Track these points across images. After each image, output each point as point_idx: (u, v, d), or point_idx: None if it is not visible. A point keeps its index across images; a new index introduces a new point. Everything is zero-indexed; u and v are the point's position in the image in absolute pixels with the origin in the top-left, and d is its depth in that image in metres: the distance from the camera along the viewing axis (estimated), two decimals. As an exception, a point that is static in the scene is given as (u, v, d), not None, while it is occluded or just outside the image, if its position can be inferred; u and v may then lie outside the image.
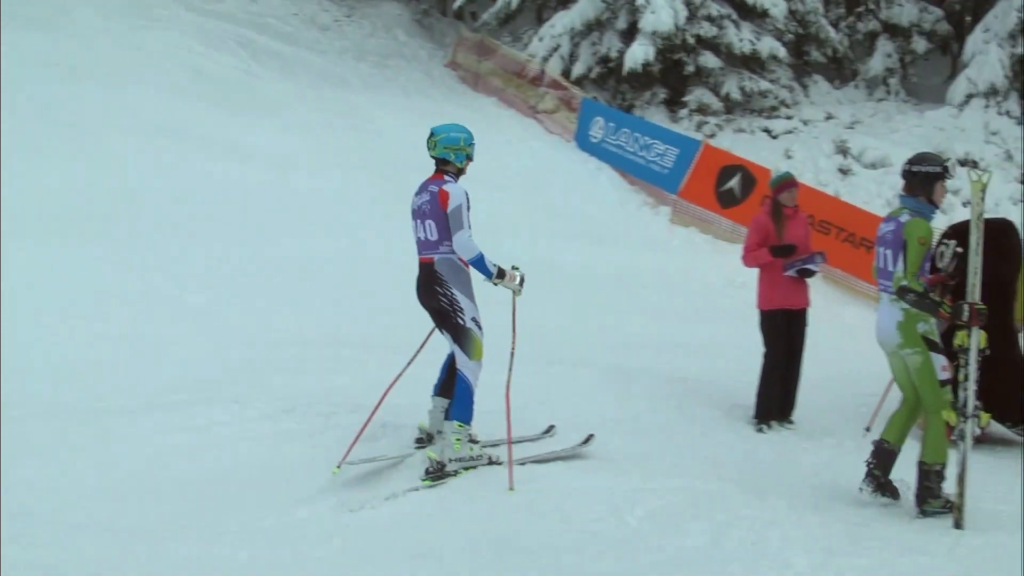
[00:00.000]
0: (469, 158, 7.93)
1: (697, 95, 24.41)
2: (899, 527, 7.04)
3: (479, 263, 7.62)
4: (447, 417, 7.76)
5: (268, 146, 17.34)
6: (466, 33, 27.94)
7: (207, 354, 10.78)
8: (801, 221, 10.14)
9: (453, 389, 7.80)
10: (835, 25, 27.95)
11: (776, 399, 9.86)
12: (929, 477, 7.43)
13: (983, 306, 7.09)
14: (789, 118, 25.19)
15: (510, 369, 7.79)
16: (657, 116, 24.09)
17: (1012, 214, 16.08)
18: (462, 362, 7.75)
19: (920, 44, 28.22)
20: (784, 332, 9.85)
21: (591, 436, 8.46)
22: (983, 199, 7.35)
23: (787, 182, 10.15)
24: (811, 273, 9.90)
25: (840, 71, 28.82)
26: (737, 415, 10.03)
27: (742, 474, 8.12)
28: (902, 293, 7.22)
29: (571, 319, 13.22)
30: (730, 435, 9.39)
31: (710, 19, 23.97)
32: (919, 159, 7.67)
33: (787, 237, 9.84)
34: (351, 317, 12.46)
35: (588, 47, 25.12)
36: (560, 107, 23.20)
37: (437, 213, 7.62)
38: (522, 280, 7.85)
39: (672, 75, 25.15)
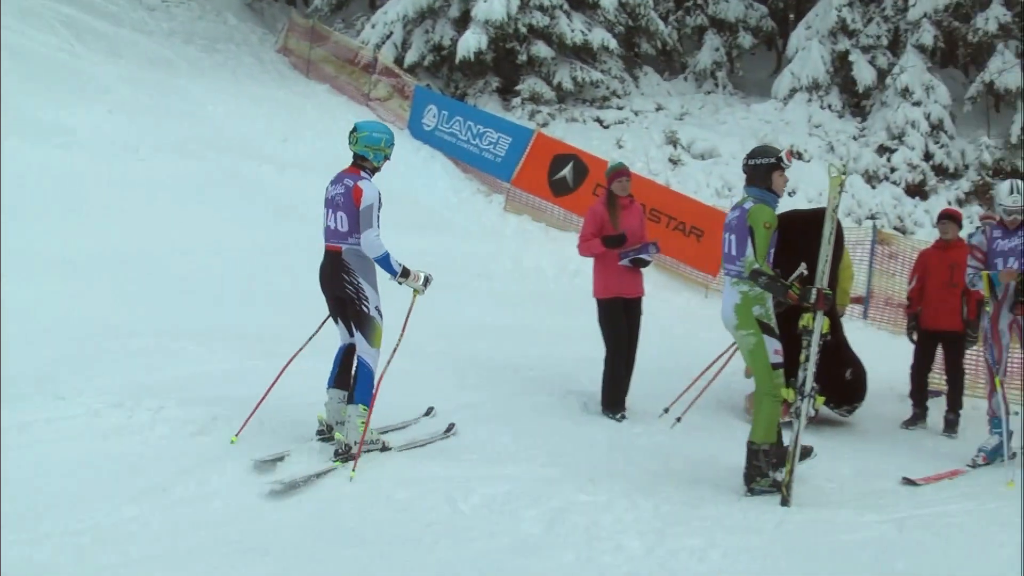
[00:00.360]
0: (387, 158, 8.14)
1: (530, 84, 24.51)
2: (728, 507, 7.17)
3: (384, 262, 7.80)
4: (351, 401, 7.88)
5: (93, 130, 16.73)
6: (298, 18, 27.54)
7: (26, 348, 10.27)
8: (636, 211, 10.17)
9: (348, 380, 8.04)
10: (664, 19, 28.50)
11: (623, 386, 9.93)
12: (757, 456, 7.61)
13: (829, 291, 7.45)
14: (620, 108, 25.53)
15: (388, 362, 8.00)
16: (490, 105, 24.16)
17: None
18: (363, 348, 7.93)
19: (746, 39, 29.05)
20: (622, 319, 9.92)
21: (452, 425, 8.81)
22: (840, 193, 7.65)
23: (617, 172, 10.14)
24: (645, 263, 9.98)
25: (670, 64, 29.37)
26: (571, 401, 10.08)
27: (576, 460, 8.16)
28: (755, 276, 7.42)
29: (404, 307, 13.10)
30: (565, 421, 9.43)
31: (542, 9, 24.09)
32: (756, 153, 7.88)
33: (622, 227, 9.88)
34: (180, 307, 12.09)
35: (421, 35, 25.02)
36: (393, 95, 23.04)
37: (350, 207, 7.82)
38: (427, 281, 8.11)
39: (505, 64, 25.23)
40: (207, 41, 25.62)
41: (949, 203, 22.52)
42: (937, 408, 10.76)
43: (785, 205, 8.77)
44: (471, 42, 23.07)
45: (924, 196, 23.67)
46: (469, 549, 6.18)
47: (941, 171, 24.23)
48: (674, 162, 23.44)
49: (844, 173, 7.69)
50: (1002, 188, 9.10)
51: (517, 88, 24.68)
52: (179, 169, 16.20)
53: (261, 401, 8.13)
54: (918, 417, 10.71)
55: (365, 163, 8.04)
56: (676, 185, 21.25)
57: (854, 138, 24.86)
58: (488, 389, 10.20)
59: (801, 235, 8.37)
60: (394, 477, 7.35)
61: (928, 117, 24.32)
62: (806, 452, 7.97)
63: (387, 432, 8.43)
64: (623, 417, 9.72)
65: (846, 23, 25.73)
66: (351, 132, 8.08)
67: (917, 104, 24.36)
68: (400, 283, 8.00)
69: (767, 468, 7.61)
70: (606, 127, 24.82)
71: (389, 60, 24.04)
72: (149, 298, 12.12)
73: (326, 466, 7.54)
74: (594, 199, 17.62)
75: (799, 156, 23.39)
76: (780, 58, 30.64)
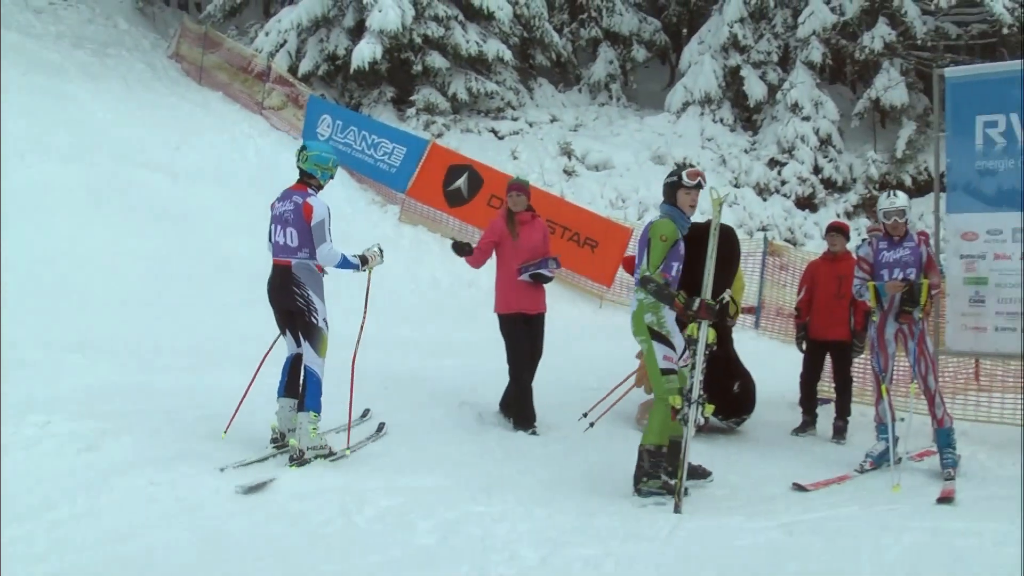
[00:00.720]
0: (331, 177, 8.62)
1: (424, 95, 24.49)
2: (622, 516, 7.20)
3: (344, 264, 8.32)
4: (301, 408, 8.17)
5: (-24, 136, 16.32)
6: (190, 24, 27.08)
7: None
8: (539, 227, 10.08)
9: (297, 388, 8.33)
10: (559, 31, 28.66)
11: (531, 400, 9.83)
12: (643, 457, 7.77)
13: (712, 302, 7.66)
14: (515, 119, 25.64)
15: (358, 341, 8.66)
16: (385, 115, 24.07)
17: (726, 216, 16.82)
18: (310, 358, 8.24)
19: (640, 52, 29.37)
20: (523, 335, 9.84)
21: (382, 424, 9.30)
22: (720, 212, 7.93)
23: (510, 186, 10.17)
24: (546, 279, 9.88)
25: (564, 75, 29.56)
26: (466, 412, 10.08)
27: (471, 471, 8.15)
28: (644, 282, 7.68)
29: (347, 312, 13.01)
30: (460, 432, 9.42)
31: (437, 19, 24.10)
32: (669, 173, 8.17)
33: (521, 242, 9.82)
34: (67, 318, 11.85)
35: (315, 44, 24.86)
36: (287, 104, 22.80)
37: (300, 223, 8.17)
38: (381, 252, 8.73)
39: (400, 74, 25.18)
40: (97, 45, 25.10)
41: (838, 216, 23.11)
42: (826, 415, 10.96)
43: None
44: (366, 52, 22.97)
45: (814, 209, 24.23)
46: (363, 561, 6.13)
47: (830, 184, 24.85)
48: (568, 173, 23.60)
49: (727, 194, 8.01)
50: (881, 196, 9.43)
51: (412, 98, 24.66)
52: (68, 176, 15.87)
53: (242, 401, 8.57)
54: (808, 424, 10.90)
55: (311, 180, 8.41)
56: (570, 196, 21.39)
57: (746, 151, 25.32)
58: (383, 400, 10.15)
59: (696, 249, 8.54)
60: (288, 490, 7.27)
61: (817, 132, 24.92)
62: (703, 474, 8.12)
63: (330, 433, 8.66)
64: (534, 432, 9.63)
65: (737, 39, 26.19)
66: (300, 150, 8.46)
67: (806, 119, 24.93)
68: (365, 271, 8.56)
69: (656, 470, 7.76)
70: (501, 138, 24.91)
71: (283, 69, 23.82)
72: (35, 308, 11.86)
73: (280, 471, 7.72)
74: (489, 210, 17.77)
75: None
76: (673, 72, 31.05)
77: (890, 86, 24.99)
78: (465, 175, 18.95)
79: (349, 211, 19.13)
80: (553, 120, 26.15)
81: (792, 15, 26.67)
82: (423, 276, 16.52)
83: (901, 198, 9.22)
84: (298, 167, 8.45)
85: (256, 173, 19.24)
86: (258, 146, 20.61)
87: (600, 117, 27.10)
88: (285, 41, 24.97)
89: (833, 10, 25.89)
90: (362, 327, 8.62)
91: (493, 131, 25.13)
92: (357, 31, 24.27)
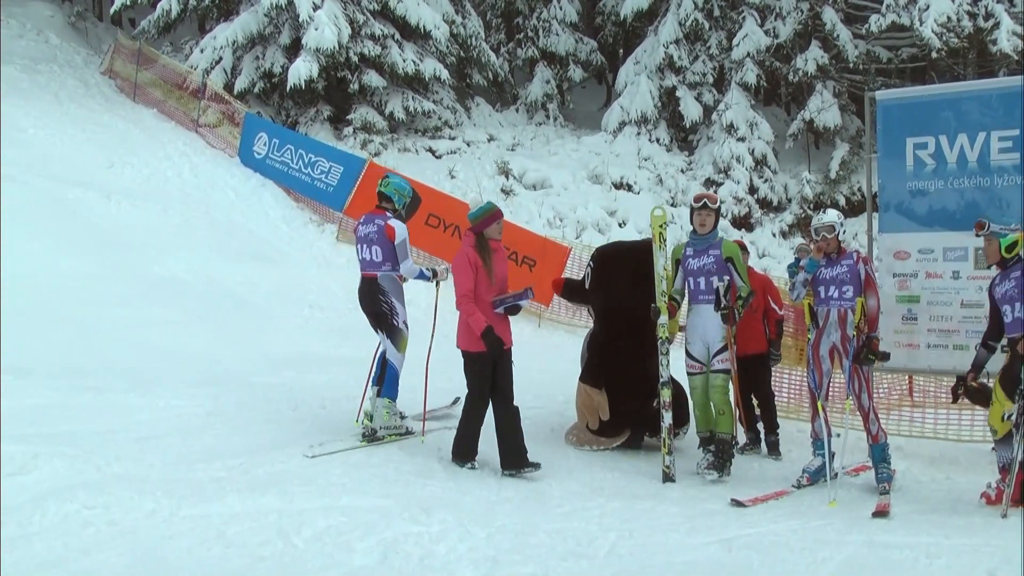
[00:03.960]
0: (405, 206, 10.02)
1: (361, 113, 24.43)
2: (562, 534, 7.18)
3: (420, 276, 9.78)
4: (380, 395, 9.72)
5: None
6: (124, 40, 26.75)
7: None
8: (504, 254, 9.55)
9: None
10: (496, 50, 28.80)
11: (474, 438, 9.22)
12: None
13: (656, 305, 9.38)
14: (453, 139, 25.66)
15: (430, 349, 9.69)
16: (322, 133, 24.00)
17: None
18: (391, 353, 9.75)
19: (576, 72, 29.58)
20: (489, 372, 9.17)
21: (457, 399, 10.54)
22: (660, 230, 9.02)
23: (493, 214, 9.26)
24: (519, 310, 9.43)
25: (501, 95, 29.65)
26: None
27: (409, 490, 8.12)
28: None
29: (234, 338, 12.91)
30: (398, 452, 9.36)
31: (373, 38, 24.08)
32: None
33: (496, 274, 9.11)
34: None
35: (251, 61, 24.71)
36: (223, 121, 22.59)
37: (383, 241, 9.64)
38: (447, 269, 9.80)
39: (336, 92, 25.12)
40: (28, 61, 24.70)
41: (774, 235, 23.50)
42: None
43: (616, 235, 9.11)
44: (302, 70, 22.86)
45: (750, 228, 24.50)
46: (302, 583, 6.10)
47: (765, 204, 25.16)
48: (506, 192, 23.65)
49: (665, 220, 8.81)
50: (815, 216, 9.65)
51: (349, 117, 24.59)
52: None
53: (364, 393, 9.97)
54: (753, 442, 10.83)
55: (388, 204, 9.89)
56: (508, 215, 21.19)
57: (682, 171, 25.60)
58: (322, 420, 10.09)
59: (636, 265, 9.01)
60: (221, 512, 7.18)
61: (752, 152, 25.21)
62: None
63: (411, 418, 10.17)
64: (473, 467, 9.08)
65: (673, 60, 26.46)
66: (383, 177, 10.29)
67: (742, 140, 25.22)
68: (434, 282, 9.85)
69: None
70: (438, 157, 24.91)
71: (218, 86, 23.62)
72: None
73: (356, 444, 9.38)
74: (427, 229, 17.66)
75: (629, 188, 23.88)
76: (610, 92, 31.26)
77: (823, 108, 25.37)
78: (403, 194, 18.88)
79: (286, 230, 19.06)
80: (491, 139, 26.21)
81: (727, 37, 27.02)
82: (361, 295, 16.43)
83: (830, 214, 9.36)
84: (379, 191, 9.95)
85: (192, 191, 19.07)
86: (194, 164, 20.42)
87: (537, 136, 27.22)
88: (220, 58, 24.80)
89: (767, 33, 26.27)
90: (432, 336, 9.76)
91: (431, 150, 25.13)
92: (293, 49, 24.16)
